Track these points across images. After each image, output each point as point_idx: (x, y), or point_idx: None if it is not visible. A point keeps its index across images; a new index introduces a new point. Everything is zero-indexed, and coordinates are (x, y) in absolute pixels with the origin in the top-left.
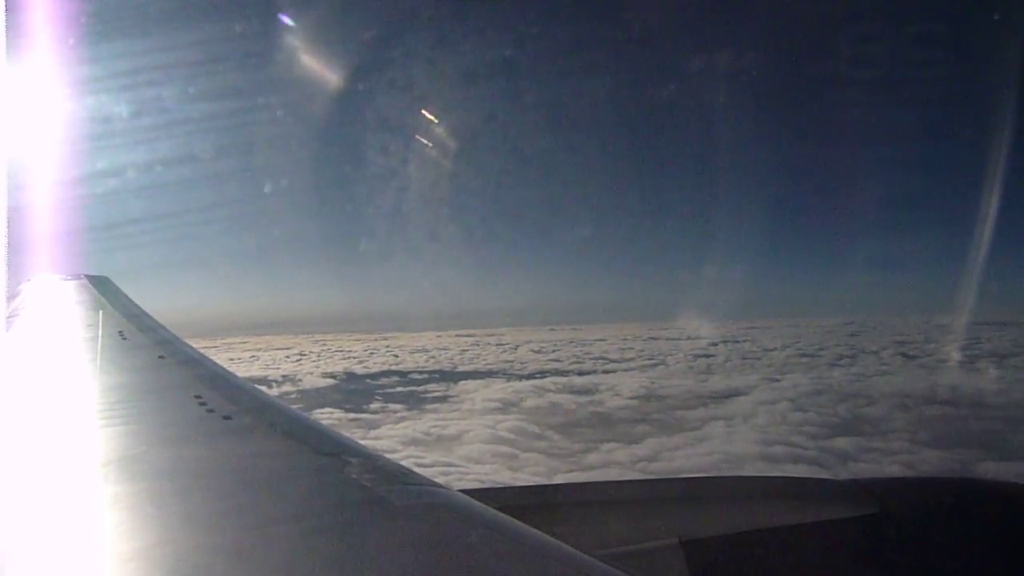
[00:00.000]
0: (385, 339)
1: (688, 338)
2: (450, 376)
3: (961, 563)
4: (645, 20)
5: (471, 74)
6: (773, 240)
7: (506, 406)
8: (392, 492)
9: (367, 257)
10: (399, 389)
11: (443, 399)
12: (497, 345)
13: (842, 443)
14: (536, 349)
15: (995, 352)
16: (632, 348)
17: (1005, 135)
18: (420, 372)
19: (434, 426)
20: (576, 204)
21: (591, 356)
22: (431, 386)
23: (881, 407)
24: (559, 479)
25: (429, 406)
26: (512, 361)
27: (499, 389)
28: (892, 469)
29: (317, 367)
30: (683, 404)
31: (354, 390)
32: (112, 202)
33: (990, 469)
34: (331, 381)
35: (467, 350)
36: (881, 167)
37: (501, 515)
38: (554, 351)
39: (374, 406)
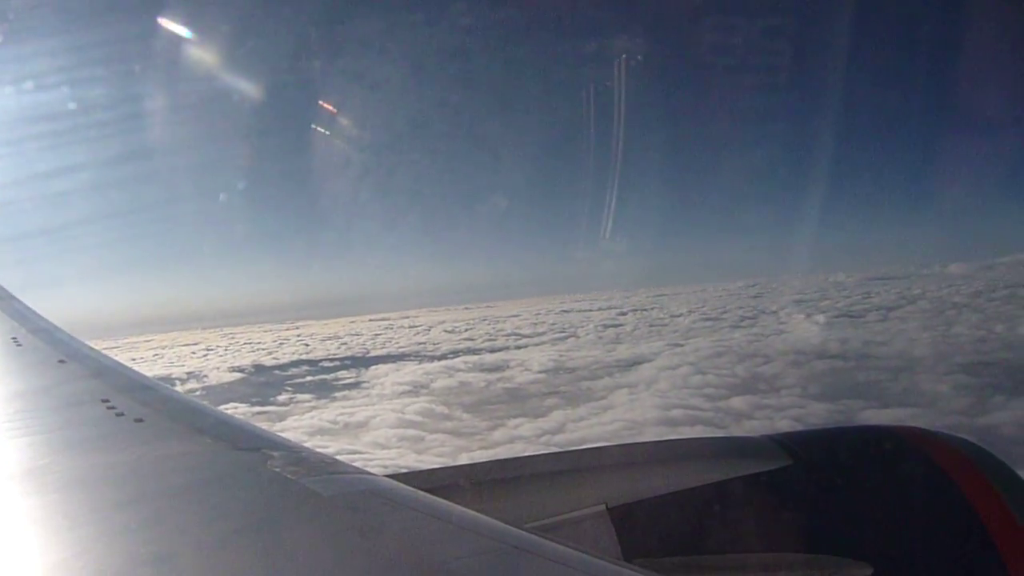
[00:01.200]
0: (296, 328)
1: (599, 309)
2: (362, 362)
3: (870, 506)
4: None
5: (371, 66)
6: (679, 209)
7: (416, 388)
8: (318, 483)
9: (275, 247)
10: (309, 379)
11: (354, 386)
12: (411, 327)
13: (738, 402)
14: (449, 329)
15: (882, 306)
16: (544, 322)
17: (876, 104)
18: (331, 360)
19: (342, 413)
20: (486, 183)
21: (504, 332)
22: (342, 373)
23: (776, 365)
24: (464, 458)
25: (339, 394)
26: (425, 343)
27: (410, 372)
28: (782, 424)
29: (224, 362)
30: (590, 375)
31: (263, 383)
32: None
33: (872, 416)
34: (238, 375)
35: (380, 334)
36: (771, 133)
37: (430, 497)
38: (467, 330)
39: (282, 398)
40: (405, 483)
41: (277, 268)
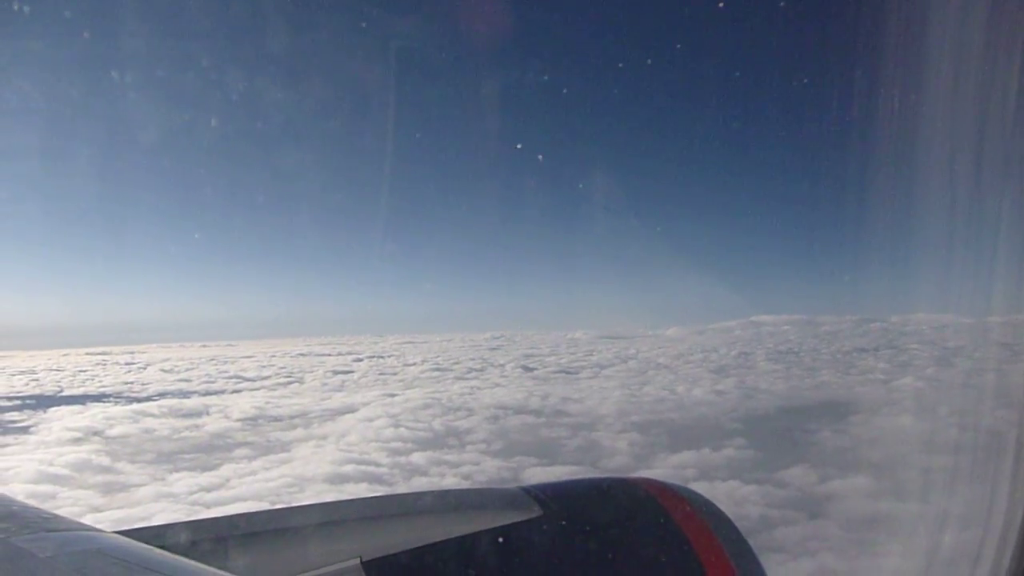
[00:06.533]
0: None
1: (338, 354)
2: (47, 401)
3: (608, 553)
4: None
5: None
6: (442, 258)
7: (87, 435)
8: (33, 541)
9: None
10: None
11: (21, 430)
12: (127, 364)
13: (418, 457)
14: (168, 368)
15: (598, 363)
16: (275, 365)
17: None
18: (11, 398)
19: None
20: (253, 218)
21: (226, 375)
22: (14, 415)
23: (474, 419)
24: (88, 519)
25: None
26: (132, 382)
27: (91, 415)
28: (449, 480)
29: None
30: (288, 425)
31: None
32: None
33: (535, 473)
34: None
35: (86, 370)
36: (544, 195)
37: (168, 555)
38: (188, 370)
39: None
40: (140, 540)
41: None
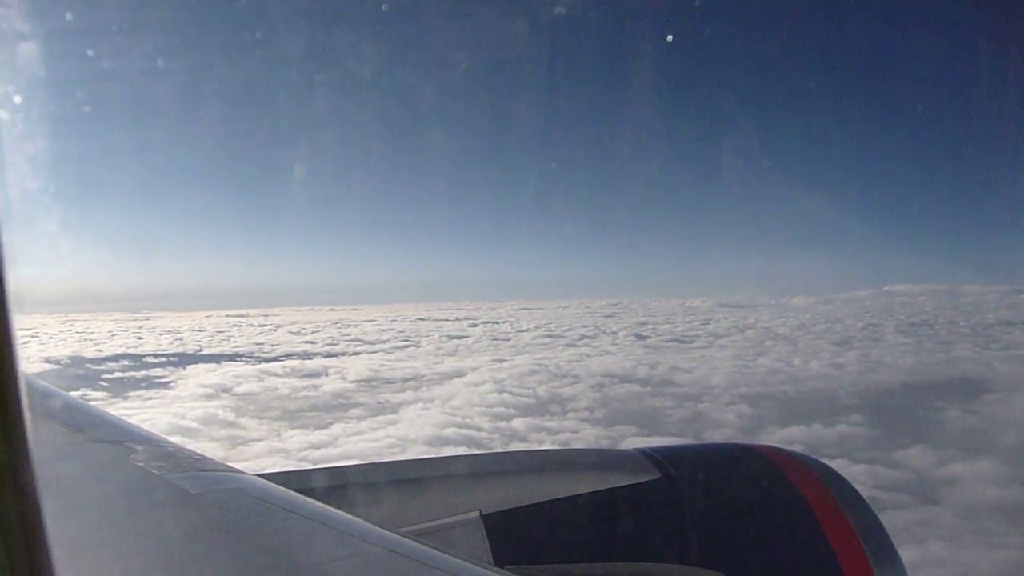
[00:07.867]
0: (146, 319)
1: (455, 319)
2: (187, 359)
3: (728, 518)
4: None
5: None
6: (560, 222)
7: (218, 392)
8: (185, 479)
9: (149, 233)
10: (119, 375)
11: (162, 385)
12: (259, 326)
13: (519, 423)
14: (295, 331)
15: (713, 332)
16: (394, 329)
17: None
18: (157, 355)
19: (119, 415)
20: (394, 185)
21: (348, 338)
22: (158, 371)
23: (579, 387)
24: None
25: (137, 392)
26: (263, 343)
27: (222, 373)
28: (547, 447)
29: (43, 350)
30: (399, 387)
31: (73, 376)
32: None
33: (635, 444)
34: (50, 367)
35: (223, 331)
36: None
37: (302, 498)
38: (314, 332)
39: (75, 395)
40: (280, 483)
41: (153, 257)
